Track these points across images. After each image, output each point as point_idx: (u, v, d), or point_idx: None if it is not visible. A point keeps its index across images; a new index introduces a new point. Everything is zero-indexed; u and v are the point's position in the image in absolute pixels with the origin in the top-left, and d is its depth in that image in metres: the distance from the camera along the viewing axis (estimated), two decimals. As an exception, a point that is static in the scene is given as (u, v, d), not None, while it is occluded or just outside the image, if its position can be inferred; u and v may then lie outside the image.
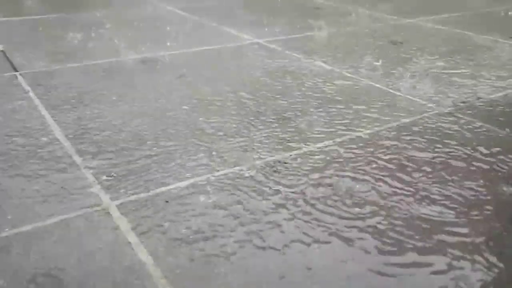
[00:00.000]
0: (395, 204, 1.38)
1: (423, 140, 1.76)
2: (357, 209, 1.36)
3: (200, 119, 1.93)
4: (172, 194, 1.43)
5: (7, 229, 1.27)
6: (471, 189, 1.47)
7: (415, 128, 1.86)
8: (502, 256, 1.19)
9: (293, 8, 4.22)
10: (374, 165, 1.59)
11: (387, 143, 1.74)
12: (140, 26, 3.52)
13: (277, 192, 1.44)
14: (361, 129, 1.84)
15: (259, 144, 1.71)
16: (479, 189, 1.47)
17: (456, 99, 2.16)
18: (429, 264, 1.16)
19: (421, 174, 1.54)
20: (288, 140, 1.75)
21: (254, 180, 1.49)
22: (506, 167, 1.59)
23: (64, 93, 2.20)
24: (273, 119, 1.93)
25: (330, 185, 1.47)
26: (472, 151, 1.69)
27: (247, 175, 1.52)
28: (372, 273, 1.13)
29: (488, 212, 1.36)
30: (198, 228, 1.28)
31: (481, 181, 1.51)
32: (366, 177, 1.52)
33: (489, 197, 1.43)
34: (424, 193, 1.44)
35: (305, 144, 1.72)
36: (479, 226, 1.30)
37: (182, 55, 2.80)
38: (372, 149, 1.69)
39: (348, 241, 1.23)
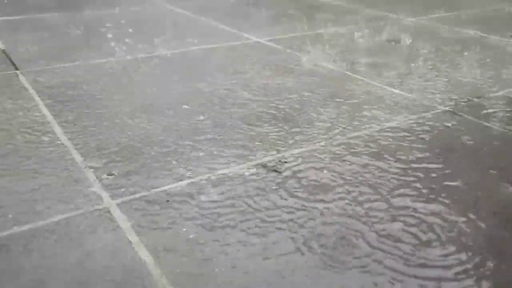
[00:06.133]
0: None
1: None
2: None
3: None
4: (173, 193, 1.43)
5: (7, 228, 1.27)
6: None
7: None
8: (503, 256, 1.19)
9: None
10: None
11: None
12: (137, 24, 3.52)
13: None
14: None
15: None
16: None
17: None
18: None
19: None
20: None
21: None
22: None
23: (65, 91, 2.20)
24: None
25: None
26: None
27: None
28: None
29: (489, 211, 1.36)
30: (198, 227, 1.28)
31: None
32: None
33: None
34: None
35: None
36: (478, 225, 1.30)
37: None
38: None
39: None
